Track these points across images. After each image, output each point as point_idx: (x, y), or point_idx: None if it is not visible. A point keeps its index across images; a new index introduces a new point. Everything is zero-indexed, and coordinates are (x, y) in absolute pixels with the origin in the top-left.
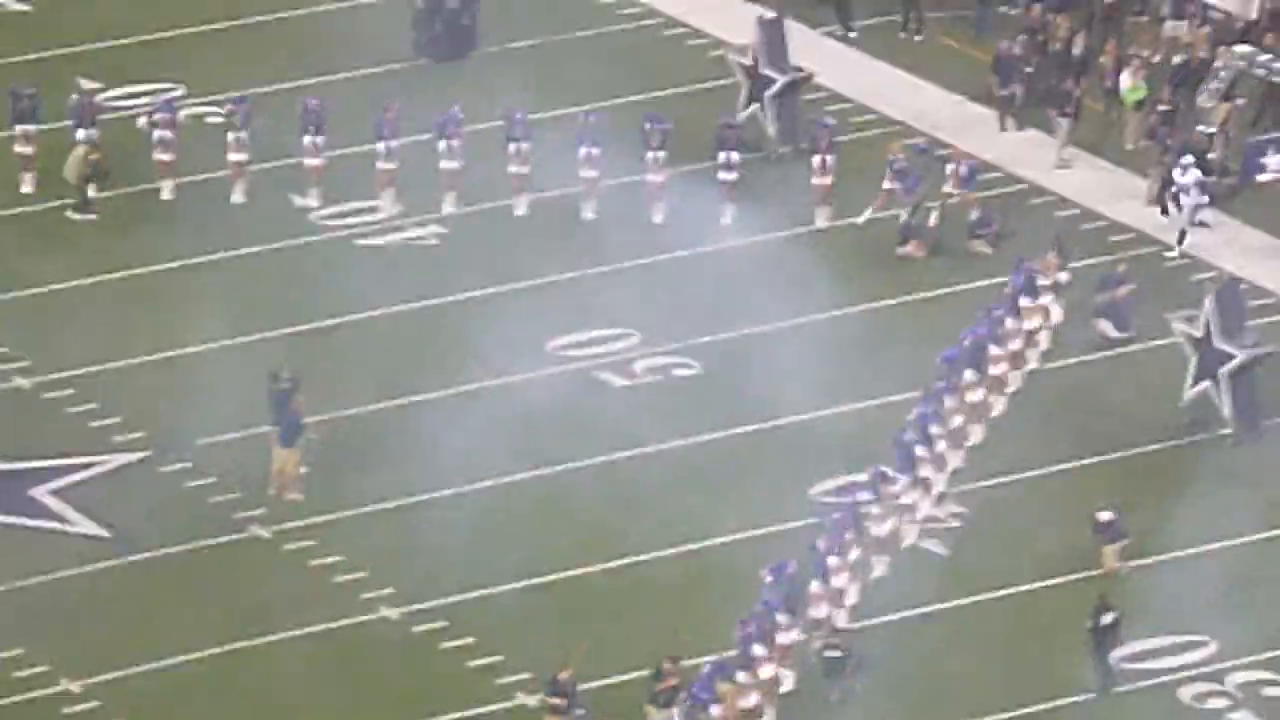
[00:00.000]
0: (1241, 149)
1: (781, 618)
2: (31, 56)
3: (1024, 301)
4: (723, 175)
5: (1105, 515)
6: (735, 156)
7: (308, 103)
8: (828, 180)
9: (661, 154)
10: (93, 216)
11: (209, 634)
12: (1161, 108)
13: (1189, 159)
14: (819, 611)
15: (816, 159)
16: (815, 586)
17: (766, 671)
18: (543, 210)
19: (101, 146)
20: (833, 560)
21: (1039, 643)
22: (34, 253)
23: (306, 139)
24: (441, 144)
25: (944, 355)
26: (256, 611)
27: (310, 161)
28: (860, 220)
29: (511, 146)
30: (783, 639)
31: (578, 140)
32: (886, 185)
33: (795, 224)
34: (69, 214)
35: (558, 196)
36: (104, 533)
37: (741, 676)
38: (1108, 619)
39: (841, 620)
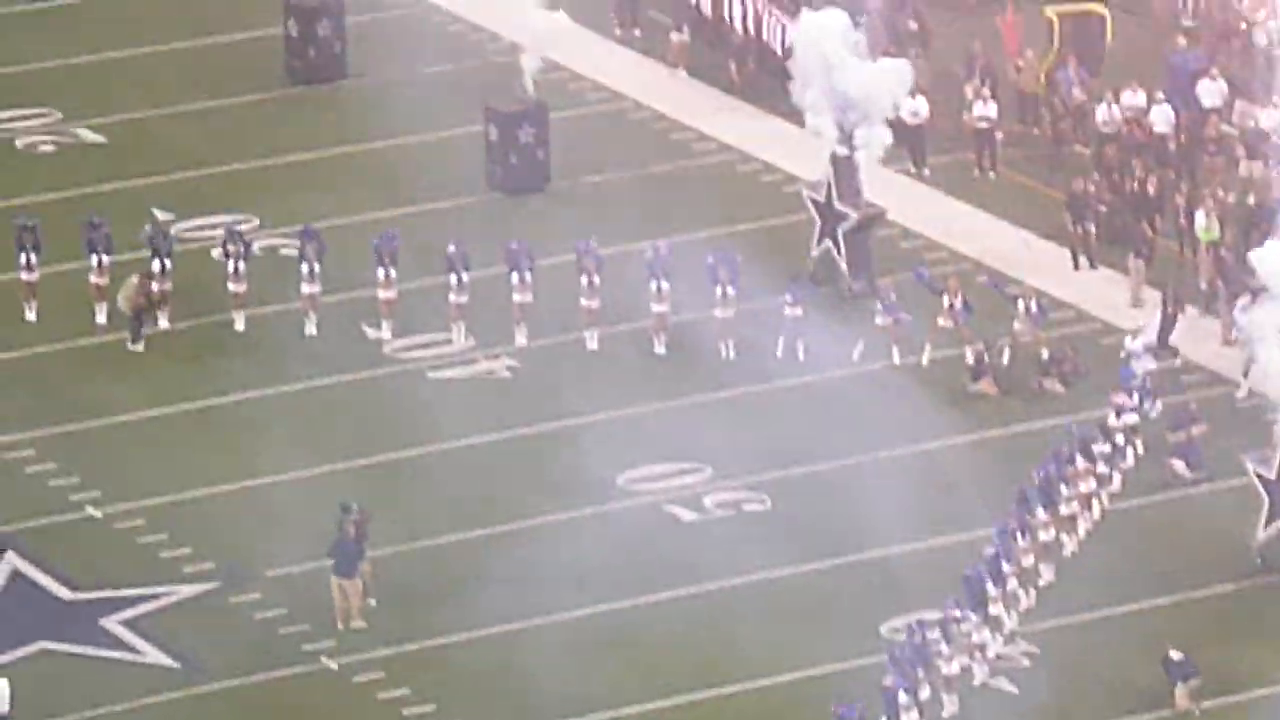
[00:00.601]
0: None
1: None
2: (106, 188)
3: (1096, 444)
4: (789, 311)
5: (1176, 654)
6: (802, 293)
7: (381, 235)
8: (899, 317)
9: (731, 289)
10: (139, 347)
11: None
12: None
13: (1247, 299)
14: None
15: (881, 297)
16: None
17: None
18: (613, 343)
19: (157, 276)
20: (902, 698)
21: None
22: (107, 382)
23: (379, 271)
24: (514, 276)
25: (1020, 494)
26: None
27: (383, 294)
28: (924, 361)
29: (583, 279)
30: None
31: (648, 273)
32: (942, 322)
33: (868, 360)
34: (128, 345)
35: (629, 330)
36: (174, 663)
37: None
38: None
39: None
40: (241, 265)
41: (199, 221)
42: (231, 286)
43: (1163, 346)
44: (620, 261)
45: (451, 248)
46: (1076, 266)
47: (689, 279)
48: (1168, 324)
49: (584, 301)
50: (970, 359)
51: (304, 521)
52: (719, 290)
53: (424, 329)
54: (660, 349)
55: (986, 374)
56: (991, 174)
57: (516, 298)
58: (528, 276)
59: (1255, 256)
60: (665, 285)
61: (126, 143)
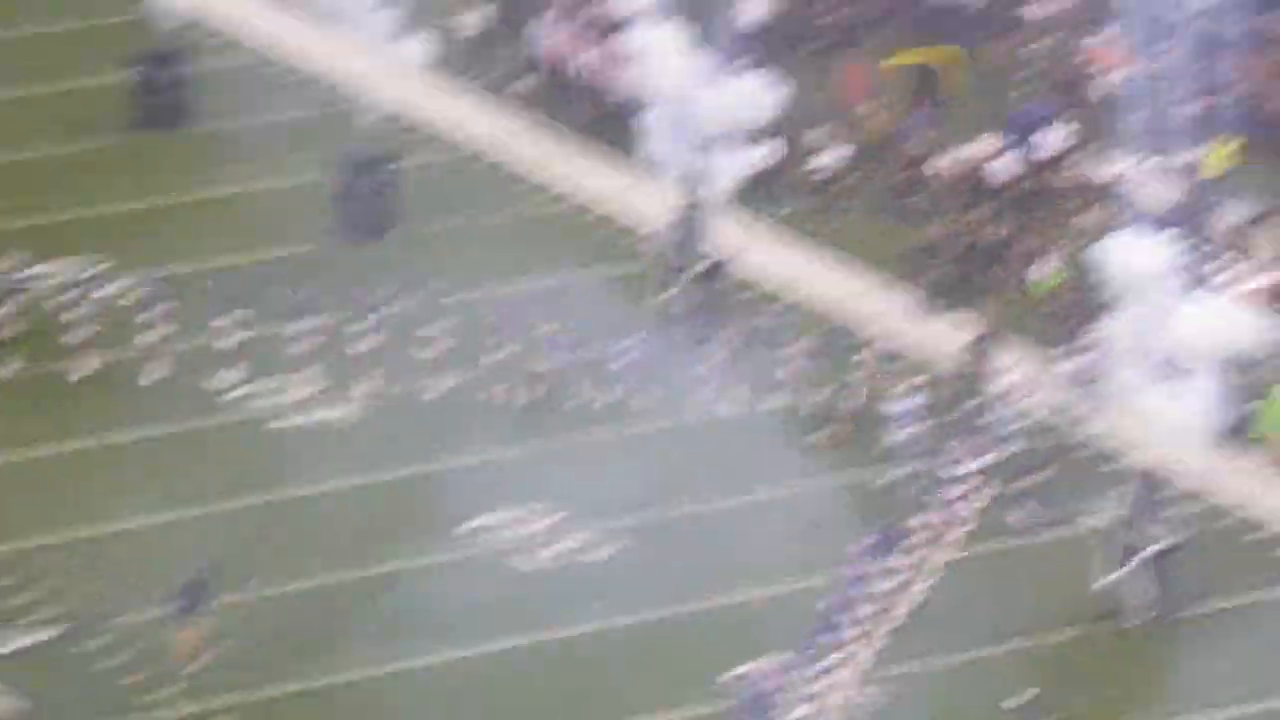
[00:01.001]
0: None
1: None
2: None
3: (946, 490)
4: (630, 358)
5: (1011, 703)
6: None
7: (227, 279)
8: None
9: (569, 335)
10: None
11: None
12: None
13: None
14: None
15: (725, 340)
16: None
17: None
18: (458, 390)
19: (6, 320)
20: None
21: None
22: None
23: (220, 319)
24: (358, 324)
25: (865, 542)
26: None
27: (226, 341)
28: (769, 406)
29: (434, 328)
30: None
31: (497, 321)
32: (788, 369)
33: (716, 405)
34: None
35: (472, 378)
36: (24, 704)
37: None
38: None
39: None
40: (86, 309)
41: (46, 267)
42: (76, 332)
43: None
44: (465, 308)
45: (295, 293)
46: (921, 315)
47: (532, 325)
48: (982, 362)
49: (427, 350)
50: (816, 406)
51: (149, 569)
52: (560, 337)
53: (270, 374)
54: (507, 396)
55: (834, 420)
56: (836, 221)
57: (362, 345)
58: (373, 323)
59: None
60: (510, 331)
61: None
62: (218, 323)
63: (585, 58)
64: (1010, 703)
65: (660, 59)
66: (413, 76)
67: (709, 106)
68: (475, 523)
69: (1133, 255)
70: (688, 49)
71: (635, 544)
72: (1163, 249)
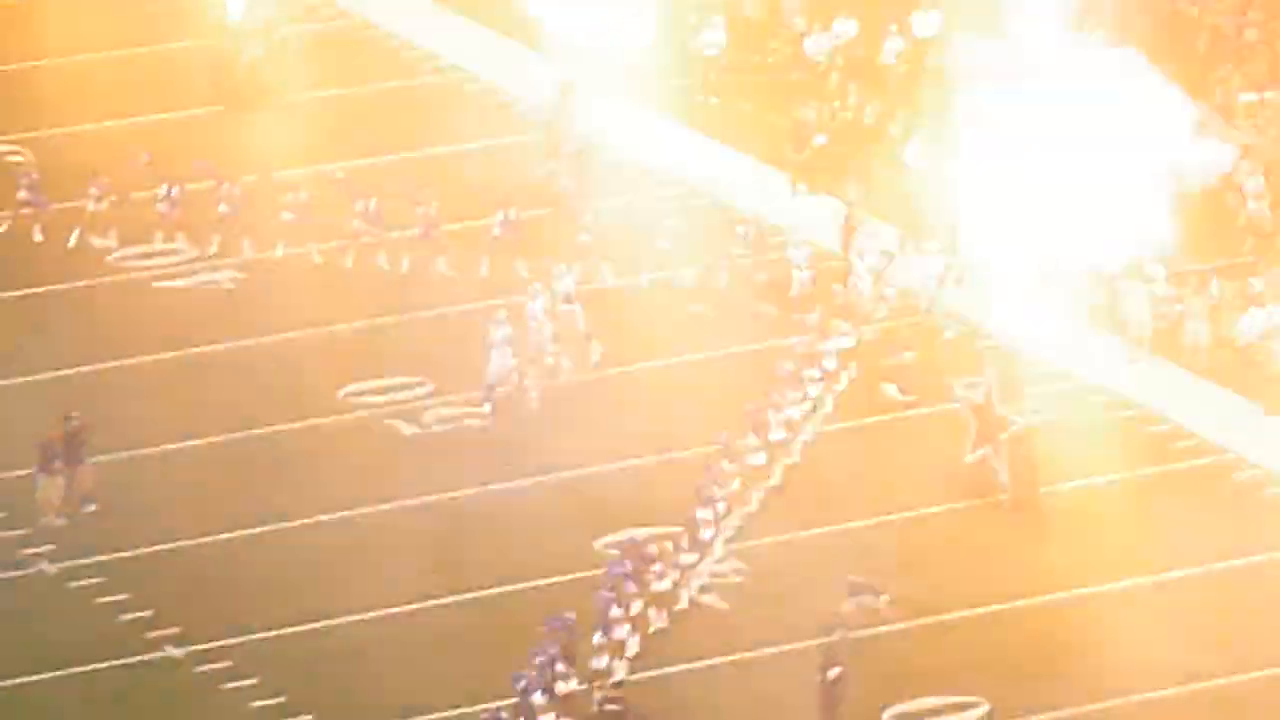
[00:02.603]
0: None
1: (561, 668)
2: None
3: (805, 371)
4: (497, 232)
5: (855, 579)
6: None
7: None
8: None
9: (434, 208)
10: None
11: None
12: None
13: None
14: (600, 663)
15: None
16: (597, 638)
17: None
18: (337, 257)
19: None
20: (615, 612)
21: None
22: None
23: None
24: (225, 187)
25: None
26: (38, 647)
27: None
28: (644, 282)
29: (290, 195)
30: (562, 689)
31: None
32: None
33: (588, 279)
34: None
35: (367, 245)
36: None
37: None
38: (833, 673)
39: (621, 672)
40: None
41: None
42: None
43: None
44: (353, 178)
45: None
46: (795, 191)
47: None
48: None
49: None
50: (696, 279)
51: (22, 428)
52: (421, 210)
53: (152, 239)
54: (384, 264)
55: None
56: (714, 99)
57: (223, 208)
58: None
59: None
60: (373, 205)
61: None
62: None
63: None
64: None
65: None
66: None
67: None
68: (354, 387)
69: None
70: None
71: (505, 414)
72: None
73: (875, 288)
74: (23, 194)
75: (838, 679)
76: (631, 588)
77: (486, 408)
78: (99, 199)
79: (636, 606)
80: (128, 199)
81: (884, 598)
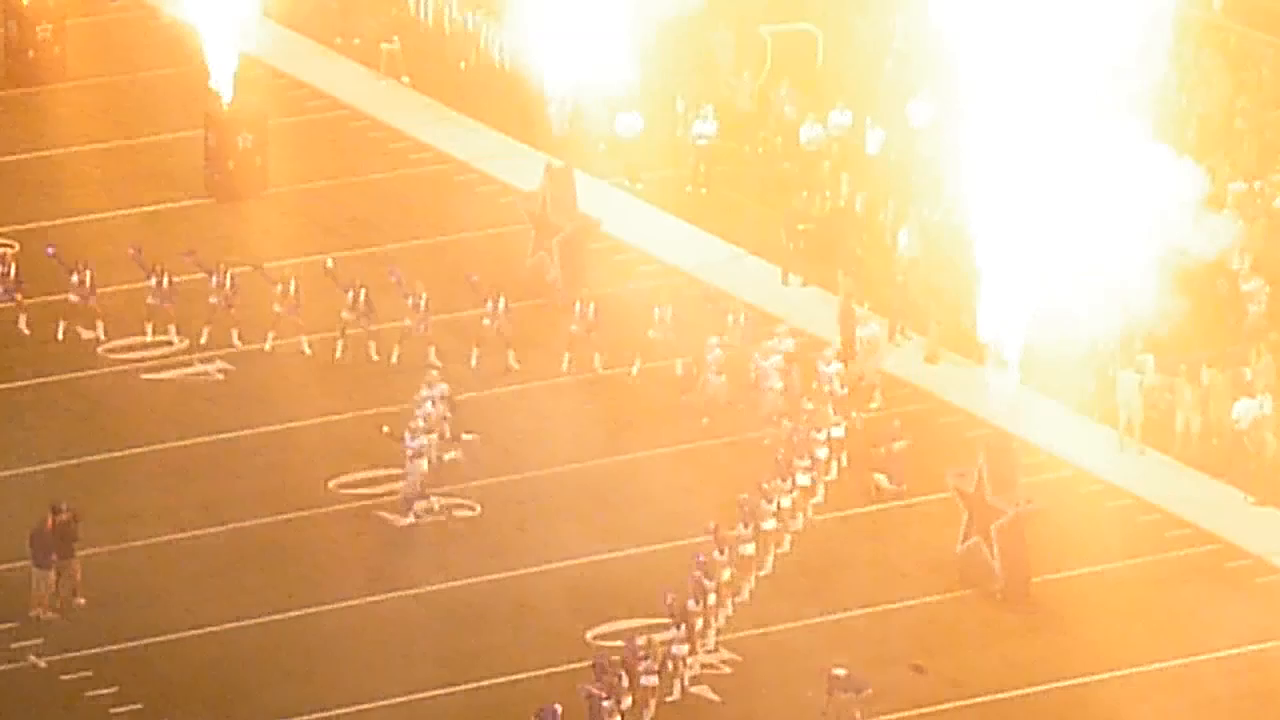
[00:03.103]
0: None
1: None
2: None
3: (796, 460)
4: (487, 323)
5: (840, 671)
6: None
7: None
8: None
9: (422, 300)
10: None
11: None
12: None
13: None
14: None
15: (579, 308)
16: None
17: None
18: (325, 349)
19: None
20: (606, 704)
21: None
22: None
23: (75, 276)
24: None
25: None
26: None
27: (74, 297)
28: (633, 371)
29: (278, 288)
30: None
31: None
32: (652, 334)
33: (577, 369)
34: None
35: (356, 336)
36: None
37: None
38: None
39: None
40: None
41: None
42: None
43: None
44: (345, 268)
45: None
46: (786, 281)
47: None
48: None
49: (279, 309)
50: (679, 370)
51: (14, 519)
52: (410, 301)
53: (139, 330)
54: (375, 355)
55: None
56: (703, 190)
57: (213, 299)
58: (227, 281)
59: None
60: (363, 295)
61: None
62: (74, 280)
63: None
64: (837, 671)
65: None
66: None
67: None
68: (344, 478)
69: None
70: None
71: (495, 506)
72: None
73: (868, 374)
74: None
75: None
76: (623, 681)
77: (410, 519)
78: (85, 291)
79: (627, 701)
80: (116, 291)
81: (866, 692)
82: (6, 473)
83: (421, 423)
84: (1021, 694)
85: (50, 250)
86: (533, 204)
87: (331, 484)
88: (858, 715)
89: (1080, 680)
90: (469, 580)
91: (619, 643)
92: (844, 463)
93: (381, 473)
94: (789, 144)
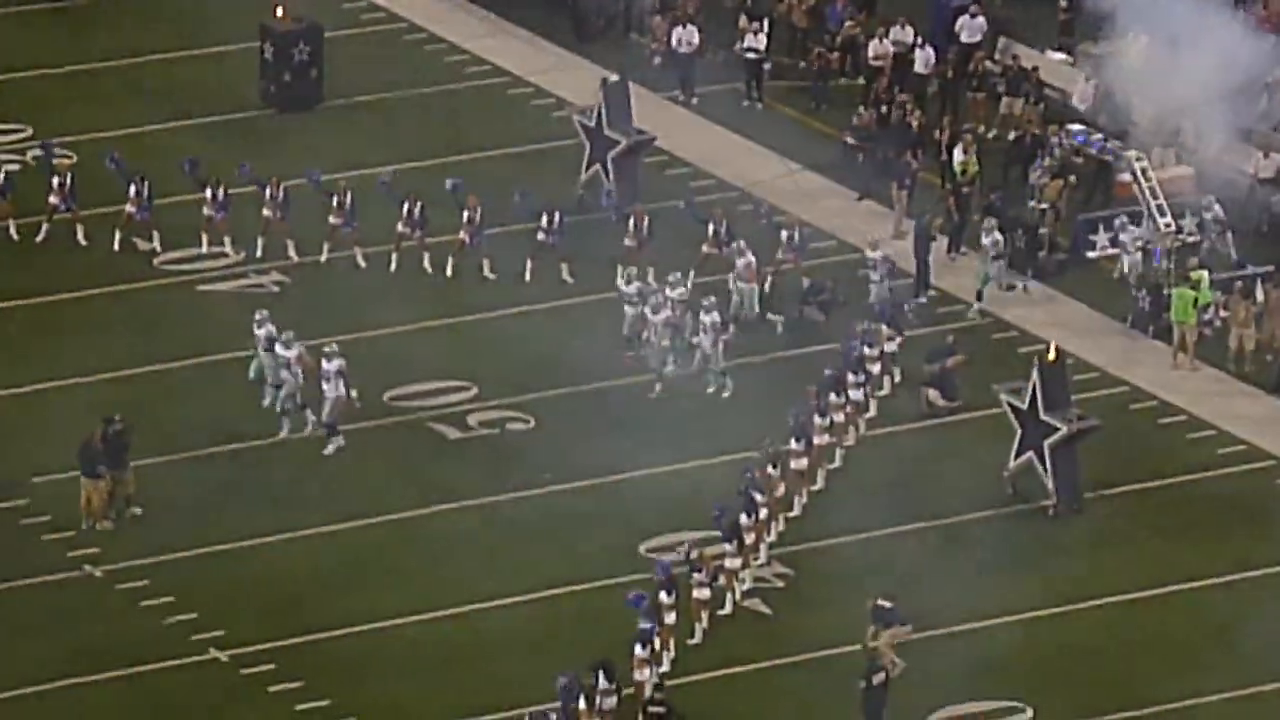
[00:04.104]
0: (1071, 226)
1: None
2: None
3: (849, 375)
4: (541, 237)
5: (885, 602)
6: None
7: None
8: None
9: (477, 213)
10: None
11: (39, 670)
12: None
13: (991, 222)
14: (641, 675)
15: (631, 222)
16: (638, 650)
17: None
18: (380, 262)
19: None
20: (652, 621)
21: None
22: None
23: (131, 187)
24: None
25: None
26: (84, 650)
27: (131, 209)
28: (688, 285)
29: (334, 199)
30: (606, 702)
31: (392, 199)
32: (706, 249)
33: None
34: None
35: (410, 248)
36: None
37: None
38: (877, 678)
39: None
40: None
41: None
42: None
43: (921, 283)
44: (399, 181)
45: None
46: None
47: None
48: (923, 256)
49: (333, 220)
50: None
51: (71, 429)
52: (465, 214)
53: (196, 242)
54: (428, 267)
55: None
56: (759, 105)
57: (266, 212)
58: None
59: None
60: (418, 208)
61: None
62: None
63: None
64: (882, 602)
65: None
66: None
67: None
68: (398, 390)
69: None
70: None
71: (548, 419)
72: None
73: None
74: (53, 199)
75: (881, 684)
76: (672, 593)
77: (331, 447)
78: (141, 202)
79: (671, 618)
80: (171, 203)
81: (907, 627)
82: (64, 383)
83: (335, 346)
84: (1074, 609)
85: (113, 159)
86: (588, 118)
87: (386, 396)
88: (894, 659)
89: (1131, 596)
90: (521, 494)
91: (674, 555)
92: (897, 378)
93: (435, 385)
94: (845, 59)
